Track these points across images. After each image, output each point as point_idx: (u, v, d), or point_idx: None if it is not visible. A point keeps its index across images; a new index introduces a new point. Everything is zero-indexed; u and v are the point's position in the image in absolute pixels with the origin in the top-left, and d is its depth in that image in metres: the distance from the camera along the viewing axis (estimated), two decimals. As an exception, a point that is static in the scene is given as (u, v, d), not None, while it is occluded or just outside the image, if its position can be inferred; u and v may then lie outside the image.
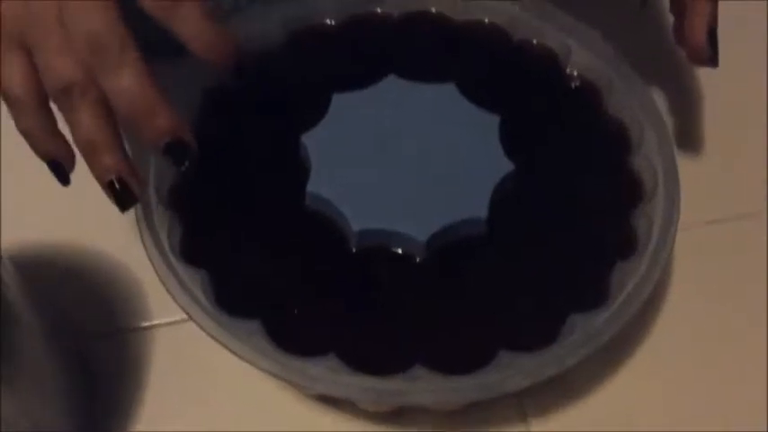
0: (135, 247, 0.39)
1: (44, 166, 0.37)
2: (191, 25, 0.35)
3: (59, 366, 0.38)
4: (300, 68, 0.46)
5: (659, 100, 0.49)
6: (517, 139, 0.42)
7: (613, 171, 0.43)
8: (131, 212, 0.38)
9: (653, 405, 0.41)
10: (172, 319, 0.43)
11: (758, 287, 0.45)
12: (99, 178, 0.36)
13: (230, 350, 0.36)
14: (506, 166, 0.41)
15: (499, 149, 0.42)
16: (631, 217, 0.41)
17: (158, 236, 0.39)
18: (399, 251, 0.40)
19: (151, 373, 0.42)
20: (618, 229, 0.41)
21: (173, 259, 0.39)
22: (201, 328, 0.37)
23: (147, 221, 0.39)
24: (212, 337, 0.37)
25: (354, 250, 0.40)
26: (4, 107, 0.36)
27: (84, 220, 0.45)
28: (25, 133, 0.36)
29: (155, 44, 0.35)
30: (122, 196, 0.36)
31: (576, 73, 0.46)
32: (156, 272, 0.38)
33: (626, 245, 0.40)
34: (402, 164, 0.42)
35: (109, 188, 0.36)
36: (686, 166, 0.42)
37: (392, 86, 0.44)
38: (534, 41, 0.47)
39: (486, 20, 0.48)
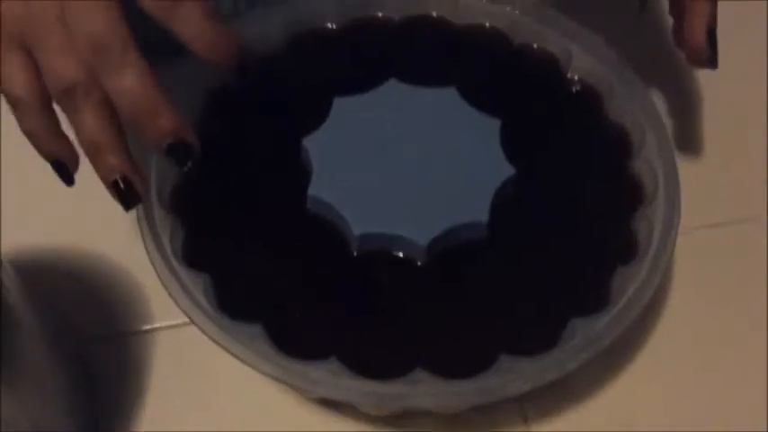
0: (136, 250, 0.39)
1: (44, 169, 0.37)
2: (192, 25, 0.35)
3: (60, 370, 0.38)
4: (301, 72, 0.46)
5: (659, 103, 0.49)
6: (518, 143, 0.42)
7: (614, 175, 0.43)
8: (133, 216, 0.39)
9: (653, 409, 0.42)
10: (173, 323, 0.43)
11: (759, 291, 0.45)
12: (103, 178, 0.36)
13: (232, 354, 0.36)
14: (507, 170, 0.41)
15: (500, 153, 0.42)
16: (632, 221, 0.41)
17: (160, 239, 0.39)
18: (400, 255, 0.40)
19: (152, 376, 0.42)
20: (618, 234, 0.41)
21: (174, 263, 0.39)
22: (203, 331, 0.37)
23: (148, 225, 0.39)
24: (214, 340, 0.37)
25: (355, 254, 0.40)
26: (4, 108, 0.36)
27: (85, 223, 0.45)
28: (29, 134, 0.36)
29: (155, 44, 0.35)
30: (127, 196, 0.36)
31: (576, 77, 0.46)
32: (158, 275, 0.38)
33: (626, 249, 0.40)
34: (403, 168, 0.42)
35: (113, 188, 0.36)
36: (687, 170, 0.42)
37: (393, 90, 0.44)
38: (535, 46, 0.47)
39: (487, 24, 0.48)
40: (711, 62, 0.42)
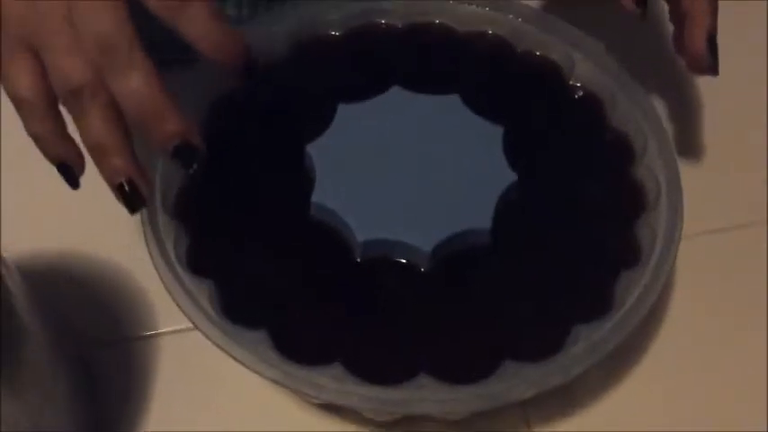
0: (140, 255, 0.39)
1: (49, 172, 0.37)
2: (198, 25, 0.35)
3: (63, 374, 0.38)
4: (306, 79, 0.47)
5: (660, 110, 0.49)
6: (520, 149, 0.43)
7: (616, 181, 0.44)
8: (137, 220, 0.39)
9: (656, 413, 0.42)
10: (177, 328, 0.43)
11: (760, 296, 0.45)
12: (109, 180, 0.35)
13: (236, 359, 0.37)
14: (510, 176, 0.42)
15: (503, 160, 0.42)
16: (635, 227, 0.42)
17: (164, 245, 0.39)
18: (404, 261, 0.40)
19: (156, 381, 0.42)
20: (621, 239, 0.41)
21: (179, 268, 0.39)
22: (207, 337, 0.37)
23: (152, 230, 0.40)
24: (218, 345, 0.37)
25: (359, 260, 0.40)
26: (6, 112, 0.36)
27: (89, 227, 0.45)
28: (34, 137, 0.36)
29: (161, 44, 0.35)
30: (132, 198, 0.36)
31: (578, 84, 0.47)
32: (163, 281, 0.38)
33: (629, 255, 0.41)
34: (406, 174, 0.42)
35: (118, 190, 0.35)
36: (688, 176, 0.42)
37: (397, 97, 0.44)
38: (537, 53, 0.47)
39: (490, 31, 0.48)
40: (712, 69, 0.42)
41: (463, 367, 0.37)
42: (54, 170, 0.37)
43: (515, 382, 0.36)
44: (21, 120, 0.36)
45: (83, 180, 0.37)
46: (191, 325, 0.38)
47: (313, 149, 0.42)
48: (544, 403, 0.41)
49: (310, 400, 0.41)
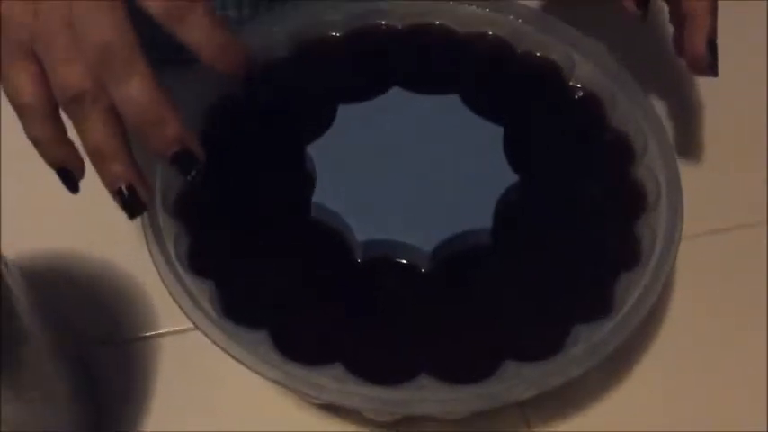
0: (141, 256, 0.39)
1: (50, 174, 0.37)
2: (199, 32, 0.35)
3: (64, 374, 0.38)
4: (306, 80, 0.47)
5: (660, 110, 0.49)
6: (521, 150, 0.43)
7: (616, 182, 0.44)
8: (138, 221, 0.39)
9: (656, 414, 0.42)
10: (178, 328, 0.43)
11: (760, 296, 0.45)
12: (108, 186, 0.36)
13: (236, 359, 0.37)
14: (510, 177, 0.42)
15: (503, 160, 0.42)
16: (635, 227, 0.42)
17: (165, 245, 0.39)
18: (404, 262, 0.40)
19: (157, 381, 0.42)
20: (622, 240, 0.41)
21: (180, 269, 0.39)
22: (208, 337, 0.37)
23: (153, 231, 0.40)
24: (219, 346, 0.37)
25: (360, 261, 0.40)
26: (6, 112, 0.37)
27: (90, 228, 0.45)
28: (35, 141, 0.36)
29: (162, 44, 0.35)
30: (131, 204, 0.36)
31: (578, 85, 0.47)
32: (164, 281, 0.38)
33: (630, 255, 0.41)
34: (407, 175, 0.42)
35: (118, 196, 0.36)
36: (688, 177, 0.42)
37: (397, 98, 0.44)
38: (537, 54, 0.48)
39: (490, 32, 0.48)
40: (712, 70, 0.42)
41: (463, 367, 0.37)
42: (54, 172, 0.37)
43: (515, 382, 0.36)
44: (21, 124, 0.36)
45: (84, 181, 0.37)
46: (191, 325, 0.38)
47: (313, 150, 0.42)
48: (544, 404, 0.41)
49: (311, 401, 0.41)
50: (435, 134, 0.43)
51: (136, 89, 0.34)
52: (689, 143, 0.50)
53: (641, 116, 0.44)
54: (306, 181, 0.42)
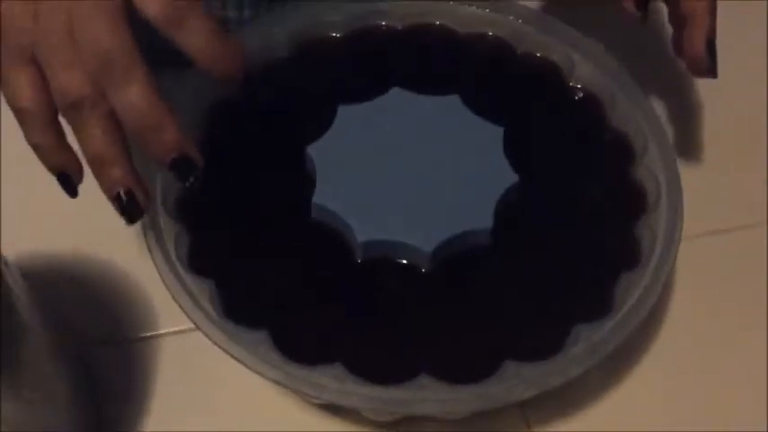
0: (141, 256, 0.40)
1: (49, 175, 0.37)
2: (197, 39, 0.35)
3: (64, 374, 0.38)
4: (306, 81, 0.47)
5: (660, 111, 0.49)
6: (521, 150, 0.43)
7: (616, 182, 0.44)
8: (138, 222, 0.39)
9: (656, 414, 0.42)
10: (178, 329, 0.43)
11: (760, 297, 0.45)
12: (107, 191, 0.36)
13: (237, 359, 0.37)
14: (510, 177, 0.42)
15: (503, 161, 0.42)
16: (635, 227, 0.42)
17: (165, 246, 0.39)
18: (404, 262, 0.40)
19: (157, 382, 0.42)
20: (622, 240, 0.41)
21: (180, 269, 0.39)
22: (209, 337, 0.37)
23: (154, 231, 0.40)
24: (219, 346, 0.37)
25: (360, 261, 0.40)
26: (6, 112, 0.37)
27: (91, 229, 0.45)
28: (35, 146, 0.36)
29: (163, 45, 0.35)
30: (130, 209, 0.36)
31: (578, 85, 0.47)
32: (164, 282, 0.38)
33: (630, 256, 0.41)
34: (407, 175, 0.42)
35: (116, 201, 0.36)
36: (688, 177, 0.42)
37: (397, 98, 0.44)
38: (538, 54, 0.48)
39: (490, 33, 0.48)
40: (711, 71, 0.42)
41: (464, 368, 0.37)
42: None
43: (515, 382, 0.36)
44: (21, 129, 0.36)
45: (85, 180, 0.37)
46: (191, 325, 0.38)
47: (314, 150, 0.42)
48: (544, 404, 0.41)
49: (311, 401, 0.41)
50: (435, 134, 0.44)
51: (135, 95, 0.34)
52: (689, 143, 0.50)
53: (641, 116, 0.44)
54: (306, 181, 0.42)
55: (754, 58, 0.54)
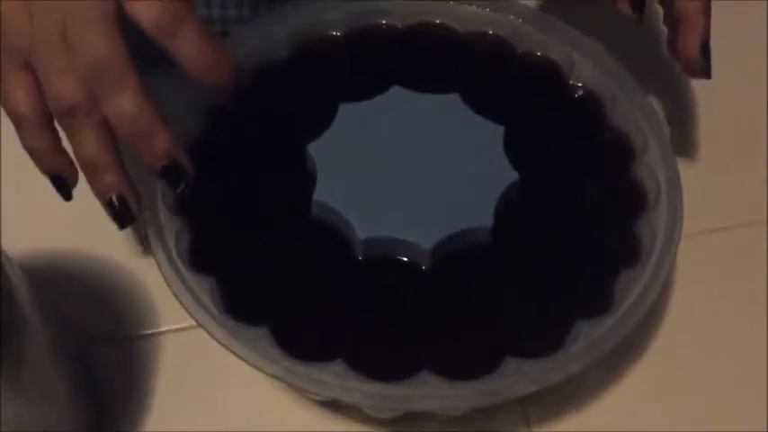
0: (142, 254, 0.40)
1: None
2: (190, 48, 0.35)
3: (65, 372, 0.38)
4: (306, 79, 0.47)
5: (660, 109, 0.50)
6: (521, 149, 0.43)
7: (616, 180, 0.44)
8: (139, 219, 0.39)
9: (656, 413, 0.42)
10: (179, 326, 0.43)
11: (759, 295, 0.45)
12: (99, 196, 0.37)
13: (238, 356, 0.37)
14: (511, 175, 0.42)
15: (503, 159, 0.42)
16: (635, 226, 0.42)
17: (166, 243, 0.39)
18: (405, 259, 0.40)
19: (158, 379, 0.42)
20: (622, 238, 0.42)
21: (181, 266, 0.39)
22: (210, 334, 0.37)
23: (154, 228, 0.40)
24: (220, 343, 0.37)
25: (360, 258, 0.40)
26: (6, 116, 0.37)
27: (91, 226, 0.45)
28: (30, 150, 0.37)
29: (155, 53, 0.36)
30: (121, 214, 0.37)
31: (579, 84, 0.47)
32: (165, 279, 0.38)
33: (630, 253, 0.41)
34: (407, 173, 0.42)
35: (109, 206, 0.37)
36: (688, 176, 0.42)
37: (397, 97, 0.44)
38: (538, 53, 0.48)
39: (490, 31, 0.48)
40: (705, 73, 0.42)
41: (464, 364, 0.37)
42: None
43: (516, 378, 0.36)
44: (17, 133, 0.37)
45: (82, 180, 0.37)
46: (192, 323, 0.38)
47: (314, 149, 0.43)
48: (544, 402, 0.41)
49: (312, 398, 0.41)
50: (436, 133, 0.44)
51: (127, 103, 0.35)
52: (689, 142, 0.50)
53: (641, 116, 0.44)
54: (306, 179, 0.42)
55: (754, 57, 0.54)
